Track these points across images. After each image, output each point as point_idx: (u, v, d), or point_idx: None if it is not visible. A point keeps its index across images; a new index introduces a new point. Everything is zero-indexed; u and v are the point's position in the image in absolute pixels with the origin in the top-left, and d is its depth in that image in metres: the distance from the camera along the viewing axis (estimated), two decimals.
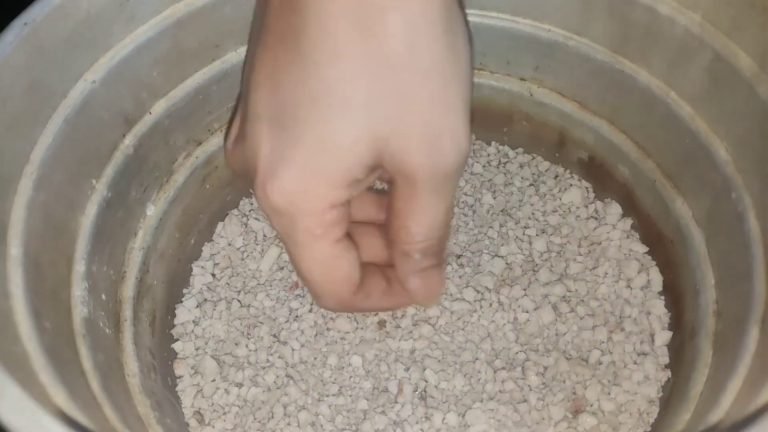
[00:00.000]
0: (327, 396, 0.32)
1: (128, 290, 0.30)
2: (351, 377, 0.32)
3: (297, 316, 0.34)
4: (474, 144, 0.41)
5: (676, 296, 0.32)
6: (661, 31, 0.30)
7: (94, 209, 0.28)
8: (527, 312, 0.34)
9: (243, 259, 0.36)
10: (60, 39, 0.26)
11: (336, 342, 0.33)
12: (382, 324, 0.34)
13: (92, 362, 0.24)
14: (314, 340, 0.33)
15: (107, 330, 0.27)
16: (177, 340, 0.34)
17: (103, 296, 0.28)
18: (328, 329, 0.34)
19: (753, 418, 0.15)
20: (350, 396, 0.32)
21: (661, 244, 0.34)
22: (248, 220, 0.38)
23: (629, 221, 0.36)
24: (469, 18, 0.35)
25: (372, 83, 0.21)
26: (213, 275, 0.36)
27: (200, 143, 0.35)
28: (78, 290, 0.26)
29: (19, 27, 0.25)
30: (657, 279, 0.34)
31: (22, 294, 0.21)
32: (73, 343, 0.24)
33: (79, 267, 0.26)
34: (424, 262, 0.26)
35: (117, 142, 0.30)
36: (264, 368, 0.33)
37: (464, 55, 0.23)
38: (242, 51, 0.34)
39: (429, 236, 0.25)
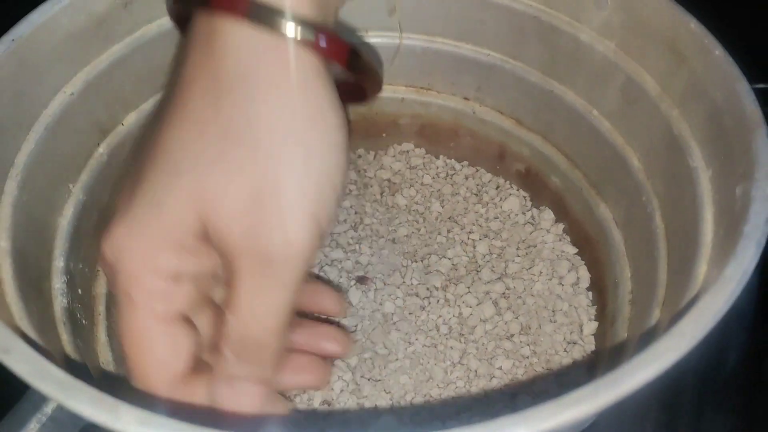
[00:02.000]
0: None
1: (101, 287, 0.32)
2: None
3: None
4: (424, 158, 0.44)
5: (601, 290, 0.36)
6: (583, 56, 0.34)
7: (70, 211, 0.31)
8: (470, 307, 0.37)
9: None
10: (42, 54, 0.29)
11: None
12: None
13: (72, 346, 0.26)
14: None
15: (84, 321, 0.29)
16: None
17: (80, 290, 0.30)
18: None
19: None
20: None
21: (588, 244, 0.38)
22: None
23: (561, 225, 0.40)
24: (417, 43, 0.39)
25: (207, 150, 0.20)
26: None
27: None
28: (57, 283, 0.28)
29: (6, 43, 0.27)
30: (585, 276, 0.38)
31: (11, 281, 0.24)
32: (55, 328, 0.26)
33: (58, 263, 0.29)
34: (236, 368, 0.22)
35: (92, 150, 0.33)
36: None
37: (326, 140, 0.22)
38: None
39: (245, 334, 0.21)
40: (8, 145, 0.27)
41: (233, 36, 0.22)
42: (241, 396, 0.22)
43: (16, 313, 0.22)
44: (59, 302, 0.27)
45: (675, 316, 0.18)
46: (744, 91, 0.25)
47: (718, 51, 0.26)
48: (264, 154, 0.20)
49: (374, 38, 0.39)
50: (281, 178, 0.21)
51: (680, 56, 0.28)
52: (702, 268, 0.23)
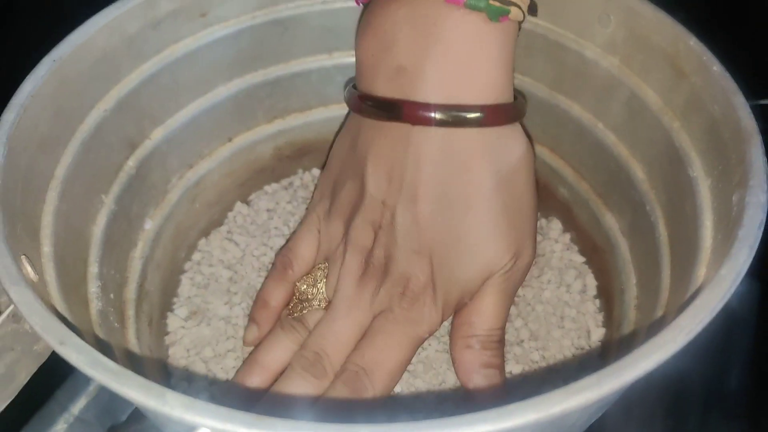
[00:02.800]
0: None
1: (131, 293, 0.34)
2: None
3: None
4: None
5: (608, 297, 0.37)
6: (589, 72, 0.36)
7: (103, 220, 0.32)
8: None
9: (228, 269, 0.40)
10: (80, 73, 0.31)
11: None
12: None
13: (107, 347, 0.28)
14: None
15: (116, 324, 0.31)
16: (169, 345, 0.37)
17: (111, 295, 0.31)
18: None
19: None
20: None
21: (595, 253, 0.39)
22: (232, 236, 0.42)
23: (568, 235, 0.41)
24: None
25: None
26: (198, 285, 0.40)
27: (191, 166, 0.40)
28: (93, 287, 0.29)
29: (49, 63, 0.29)
30: (592, 284, 0.39)
31: (55, 283, 0.25)
32: (92, 330, 0.28)
33: (93, 268, 0.30)
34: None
35: (122, 163, 0.35)
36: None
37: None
38: (230, 85, 0.39)
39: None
40: (49, 159, 0.29)
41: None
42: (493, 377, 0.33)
43: (62, 313, 0.24)
44: (95, 305, 0.29)
45: (675, 313, 0.20)
46: (740, 104, 0.26)
47: (716, 67, 0.28)
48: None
49: None
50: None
51: (680, 72, 0.30)
52: (701, 272, 0.25)
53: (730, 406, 0.38)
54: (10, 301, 0.21)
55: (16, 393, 0.21)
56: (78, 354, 0.18)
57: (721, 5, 0.42)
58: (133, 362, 0.31)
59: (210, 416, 0.17)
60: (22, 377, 0.22)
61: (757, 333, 0.37)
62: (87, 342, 0.19)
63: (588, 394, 0.17)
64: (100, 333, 0.28)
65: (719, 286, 0.20)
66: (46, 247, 0.26)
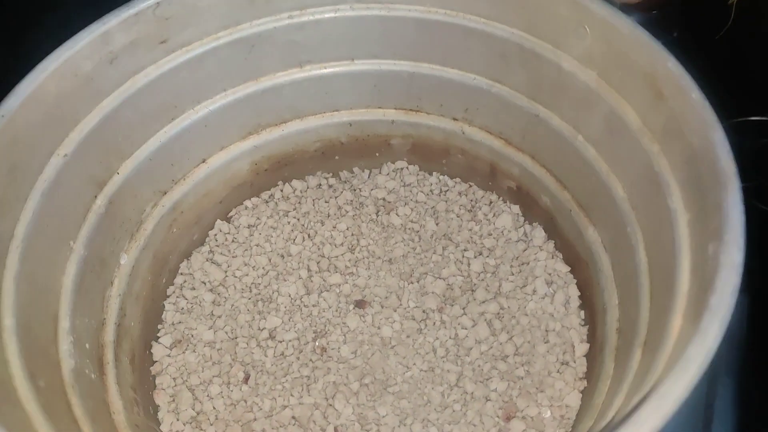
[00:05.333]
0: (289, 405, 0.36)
1: (109, 335, 0.34)
2: (311, 406, 0.37)
3: (265, 343, 0.38)
4: (418, 174, 0.45)
5: (591, 312, 0.37)
6: (567, 83, 0.34)
7: (73, 268, 0.32)
8: (466, 329, 0.38)
9: (210, 292, 0.40)
10: (33, 124, 0.30)
11: (301, 377, 0.38)
12: (322, 350, 0.38)
13: (82, 409, 0.28)
14: (275, 362, 0.38)
15: (92, 375, 0.31)
16: (155, 375, 0.38)
17: (87, 345, 0.31)
18: (295, 358, 0.38)
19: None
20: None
21: (579, 264, 0.38)
22: (213, 256, 0.42)
23: (552, 243, 0.40)
24: (403, 68, 0.40)
25: None
26: (182, 311, 0.40)
27: (165, 192, 0.39)
28: (65, 344, 0.29)
29: None
30: (575, 295, 0.38)
31: (18, 360, 0.25)
32: (64, 395, 0.27)
33: (64, 323, 0.30)
34: None
35: (89, 204, 0.34)
36: (234, 402, 0.37)
37: None
38: (198, 108, 0.38)
39: None
40: (7, 219, 0.28)
41: None
42: None
43: (23, 396, 0.24)
44: (67, 364, 0.29)
45: (639, 402, 0.19)
46: (719, 142, 0.25)
47: (695, 94, 0.26)
48: None
49: (362, 65, 0.40)
50: None
51: (659, 93, 0.29)
52: (678, 321, 0.24)
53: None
54: None
55: None
56: None
57: (709, 25, 0.39)
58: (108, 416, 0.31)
59: None
60: None
61: (747, 347, 0.37)
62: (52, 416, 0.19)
63: None
64: (74, 395, 0.28)
65: (686, 371, 0.19)
66: (7, 320, 0.26)
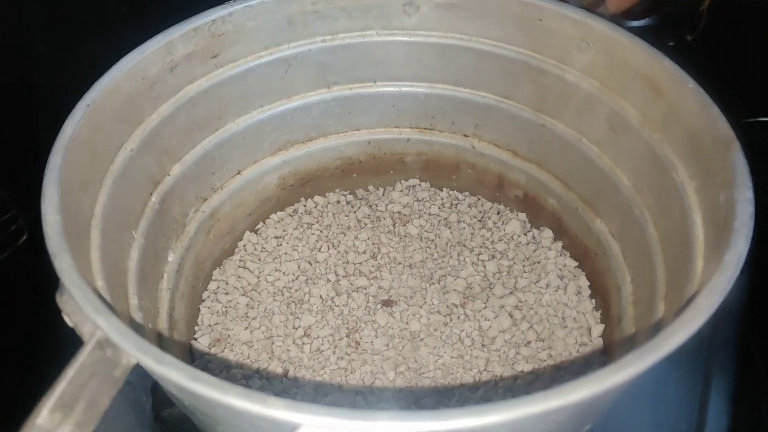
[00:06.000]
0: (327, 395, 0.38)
1: (163, 323, 0.35)
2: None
3: (301, 340, 0.40)
4: (429, 191, 0.49)
5: (604, 295, 0.41)
6: (570, 93, 0.39)
7: (136, 254, 0.34)
8: (489, 320, 0.41)
9: (244, 296, 0.42)
10: (109, 116, 0.33)
11: (338, 368, 0.39)
12: (356, 343, 0.40)
13: None
14: (313, 358, 0.39)
15: None
16: None
17: (150, 325, 0.33)
18: (331, 352, 0.40)
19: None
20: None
21: (587, 257, 0.42)
22: (244, 263, 0.44)
23: (560, 243, 0.45)
24: (420, 90, 0.44)
25: None
26: (218, 313, 0.41)
27: (205, 199, 0.42)
28: (137, 318, 0.31)
29: (83, 108, 0.31)
30: (585, 285, 0.42)
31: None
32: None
33: (133, 300, 0.32)
34: None
35: (147, 199, 0.36)
36: (276, 393, 0.38)
37: None
38: (239, 121, 0.41)
39: None
40: (89, 198, 0.31)
41: None
42: None
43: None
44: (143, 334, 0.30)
45: (693, 296, 0.23)
46: (716, 116, 0.30)
47: (691, 84, 0.32)
48: None
49: (383, 87, 0.44)
50: None
51: (657, 89, 0.34)
52: (699, 263, 0.28)
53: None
54: (96, 330, 0.22)
55: (100, 418, 0.23)
56: (178, 372, 0.20)
57: (718, 30, 0.45)
58: None
59: (312, 413, 0.19)
60: (104, 403, 0.23)
61: (744, 326, 0.41)
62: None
63: (632, 369, 0.20)
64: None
65: (726, 270, 0.23)
66: (100, 282, 0.28)
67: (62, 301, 0.23)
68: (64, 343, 0.23)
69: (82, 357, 0.21)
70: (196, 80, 0.38)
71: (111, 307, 0.25)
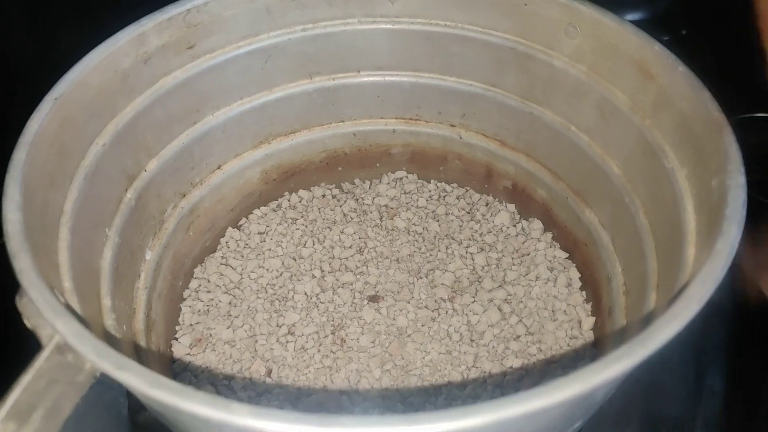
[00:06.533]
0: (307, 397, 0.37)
1: (139, 324, 0.34)
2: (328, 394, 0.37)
3: (285, 338, 0.39)
4: (416, 183, 0.48)
5: (594, 287, 0.40)
6: (558, 79, 0.38)
7: (109, 253, 0.33)
8: (477, 314, 0.40)
9: (227, 294, 0.41)
10: (79, 110, 0.31)
11: (323, 367, 0.38)
12: (342, 341, 0.39)
13: None
14: (298, 356, 0.38)
15: (131, 356, 0.31)
16: (177, 372, 0.38)
17: (124, 327, 0.32)
18: (316, 350, 0.39)
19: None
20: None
21: (577, 247, 0.41)
22: (227, 260, 0.43)
23: (550, 234, 0.44)
24: (405, 79, 0.43)
25: None
26: (199, 312, 0.40)
27: (184, 195, 0.40)
28: (109, 320, 0.30)
29: (51, 101, 0.30)
30: (576, 277, 0.41)
31: (81, 317, 0.26)
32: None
33: (106, 301, 0.31)
34: None
35: (122, 196, 0.35)
36: (258, 394, 0.37)
37: None
38: (218, 114, 0.40)
39: None
40: (58, 195, 0.29)
41: None
42: None
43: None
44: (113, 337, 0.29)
45: (684, 286, 0.22)
46: (707, 99, 0.29)
47: (681, 68, 0.31)
48: None
49: (367, 77, 0.43)
50: None
51: (647, 74, 0.33)
52: (690, 251, 0.27)
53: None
54: (55, 333, 0.21)
55: (61, 426, 0.21)
56: (138, 377, 0.19)
57: (716, 25, 0.44)
58: None
59: (277, 419, 0.18)
60: (67, 409, 0.22)
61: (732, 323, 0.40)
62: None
63: (622, 364, 0.19)
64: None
65: (718, 258, 0.22)
66: (67, 282, 0.27)
67: (22, 303, 0.22)
68: (29, 349, 0.22)
69: (39, 362, 0.20)
70: (171, 72, 0.37)
71: (72, 310, 0.23)
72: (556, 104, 0.40)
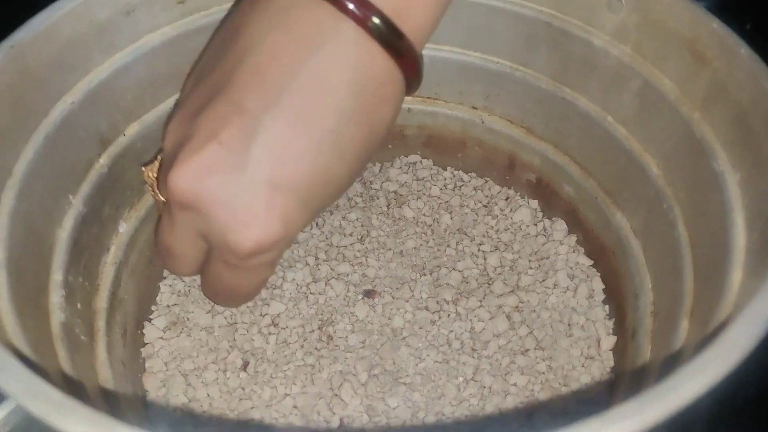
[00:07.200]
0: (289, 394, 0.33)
1: (101, 302, 0.31)
2: (307, 382, 0.34)
3: (267, 329, 0.36)
4: (431, 169, 0.43)
5: (619, 302, 0.35)
6: (597, 61, 0.33)
7: (70, 223, 0.29)
8: (483, 321, 0.36)
9: None
10: (43, 62, 0.28)
11: (305, 365, 0.35)
12: (329, 338, 0.35)
13: (70, 363, 0.25)
14: (277, 349, 0.35)
15: (82, 337, 0.28)
16: (146, 357, 0.35)
17: (79, 305, 0.28)
18: (299, 346, 0.35)
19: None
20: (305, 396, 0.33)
21: (603, 255, 0.36)
22: None
23: (574, 237, 0.39)
24: (424, 51, 0.38)
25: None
26: (179, 293, 0.37)
27: None
28: (56, 297, 0.27)
29: (5, 49, 0.26)
30: (600, 288, 0.36)
31: (6, 294, 0.22)
32: (52, 345, 0.25)
33: (57, 276, 0.27)
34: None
35: (92, 161, 0.32)
36: (231, 389, 0.34)
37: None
38: None
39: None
40: (6, 154, 0.26)
41: None
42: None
43: (10, 329, 0.21)
44: (57, 317, 0.26)
45: (725, 321, 0.17)
46: None
47: (744, 50, 0.26)
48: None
49: None
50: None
51: (701, 58, 0.28)
52: (736, 275, 0.22)
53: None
54: None
55: None
56: (15, 382, 0.15)
57: None
58: (105, 382, 0.28)
59: None
60: None
61: None
62: (41, 361, 0.17)
63: (628, 424, 0.14)
64: (61, 348, 0.25)
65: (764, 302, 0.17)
66: (0, 253, 0.23)
67: None
68: None
69: None
70: (159, 28, 0.33)
71: None
72: (592, 89, 0.35)
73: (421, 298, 0.37)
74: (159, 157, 0.29)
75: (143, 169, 0.29)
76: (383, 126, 0.27)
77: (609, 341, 0.34)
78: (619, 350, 0.34)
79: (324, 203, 0.26)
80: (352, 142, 0.25)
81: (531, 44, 0.36)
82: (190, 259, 0.28)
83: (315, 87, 0.24)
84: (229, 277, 0.28)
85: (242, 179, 0.24)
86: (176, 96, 0.35)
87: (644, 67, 0.31)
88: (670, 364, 0.24)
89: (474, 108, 0.40)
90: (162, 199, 0.28)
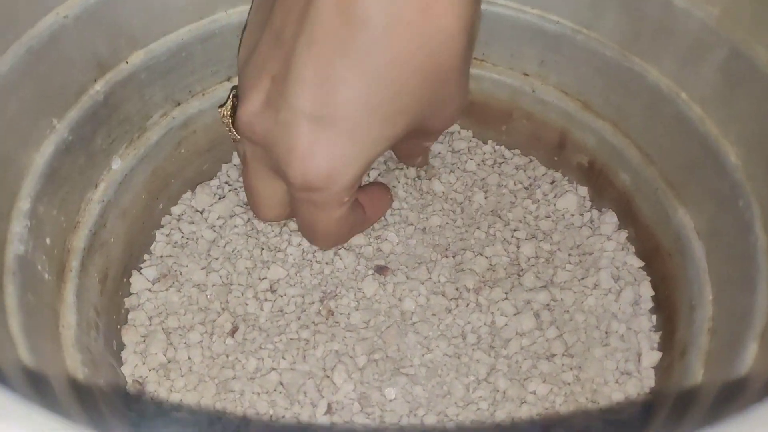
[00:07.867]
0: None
1: (79, 241, 0.28)
2: (298, 355, 0.30)
3: (263, 295, 0.32)
4: (470, 141, 0.39)
5: (670, 313, 0.29)
6: (675, 25, 0.28)
7: (50, 149, 0.26)
8: (506, 316, 0.31)
9: (212, 230, 0.34)
10: None
11: (298, 339, 0.31)
12: (329, 312, 0.31)
13: (17, 300, 0.22)
14: (272, 318, 0.31)
15: (46, 275, 0.25)
16: (129, 309, 0.32)
17: (48, 240, 0.26)
18: (295, 317, 0.31)
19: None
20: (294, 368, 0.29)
21: (657, 256, 0.31)
22: (223, 191, 0.36)
23: (625, 233, 0.33)
24: None
25: None
26: (175, 244, 0.34)
27: (179, 104, 0.33)
28: (17, 226, 0.24)
29: None
30: (648, 295, 0.31)
31: None
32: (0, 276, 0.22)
33: (23, 204, 0.24)
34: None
35: (86, 86, 0.29)
36: (215, 355, 0.30)
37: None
38: (232, 12, 0.33)
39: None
40: None
41: None
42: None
43: None
44: (14, 248, 0.23)
45: None
46: None
47: None
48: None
49: None
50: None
51: None
52: None
53: None
54: None
55: None
56: None
57: None
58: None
59: None
60: None
61: None
62: None
63: None
64: (11, 283, 0.22)
65: None
66: None
67: None
68: None
69: None
70: None
71: None
72: (667, 60, 0.29)
73: (439, 281, 0.33)
74: (232, 95, 0.29)
75: (219, 109, 0.30)
76: (445, 67, 0.25)
77: (652, 357, 0.29)
78: (663, 369, 0.29)
79: (378, 143, 0.25)
80: (407, 82, 0.24)
81: (599, 3, 0.31)
82: (274, 201, 0.29)
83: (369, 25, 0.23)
84: (303, 213, 0.28)
85: (287, 113, 0.24)
86: (190, 27, 0.32)
87: (735, 33, 0.26)
88: (731, 392, 0.19)
89: (525, 74, 0.35)
90: (237, 137, 0.28)
